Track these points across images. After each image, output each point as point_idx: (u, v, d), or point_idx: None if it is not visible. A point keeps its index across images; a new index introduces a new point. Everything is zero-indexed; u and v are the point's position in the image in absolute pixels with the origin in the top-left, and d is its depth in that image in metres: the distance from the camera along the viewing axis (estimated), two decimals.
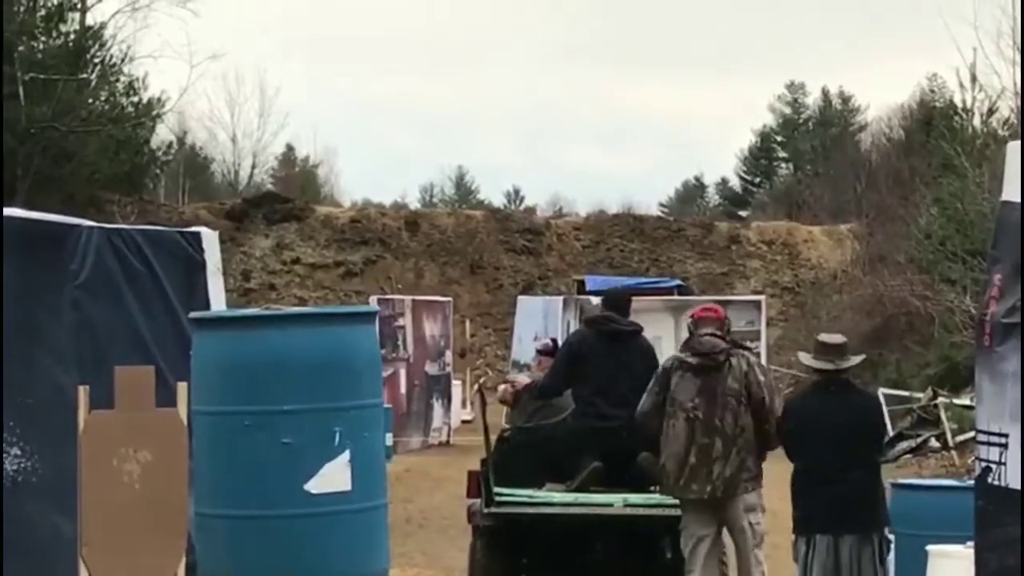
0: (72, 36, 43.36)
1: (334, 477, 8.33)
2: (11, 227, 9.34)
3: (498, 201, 71.25)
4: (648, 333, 12.11)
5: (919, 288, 33.14)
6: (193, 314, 9.20)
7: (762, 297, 32.71)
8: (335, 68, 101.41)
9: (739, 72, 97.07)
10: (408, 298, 30.43)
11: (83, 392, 8.26)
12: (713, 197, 75.33)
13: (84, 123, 42.05)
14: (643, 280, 36.85)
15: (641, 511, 11.09)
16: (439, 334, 29.69)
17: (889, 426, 22.45)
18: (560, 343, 13.30)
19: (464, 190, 75.70)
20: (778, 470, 10.58)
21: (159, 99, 45.37)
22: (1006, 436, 6.92)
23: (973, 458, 8.48)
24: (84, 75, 42.51)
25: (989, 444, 7.01)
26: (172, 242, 10.59)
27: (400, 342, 28.10)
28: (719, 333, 10.47)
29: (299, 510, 8.30)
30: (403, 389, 27.91)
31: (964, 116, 39.21)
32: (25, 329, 9.37)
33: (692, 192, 76.23)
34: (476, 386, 15.46)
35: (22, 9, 41.39)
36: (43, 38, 42.85)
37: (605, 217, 52.29)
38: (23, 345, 9.35)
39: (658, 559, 11.54)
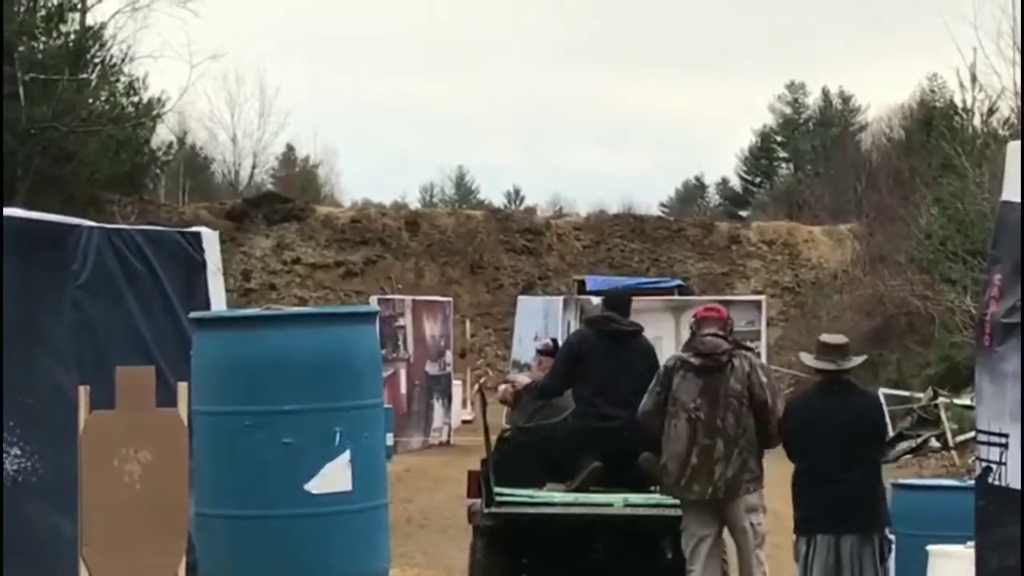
0: (72, 36, 43.37)
1: (334, 477, 8.33)
2: (11, 227, 9.34)
3: (498, 201, 71.35)
4: (648, 333, 12.11)
5: (919, 288, 33.15)
6: (193, 314, 9.20)
7: (762, 297, 32.70)
8: (335, 68, 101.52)
9: (739, 72, 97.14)
10: (408, 298, 30.43)
11: (83, 392, 8.26)
12: (713, 197, 75.41)
13: (84, 123, 42.05)
14: (643, 280, 36.86)
15: (641, 511, 11.09)
16: (439, 334, 29.69)
17: (889, 426, 22.45)
18: (560, 343, 13.30)
19: (464, 190, 75.70)
20: (779, 470, 10.58)
21: (159, 99, 45.44)
22: (1006, 436, 6.92)
23: (973, 458, 8.48)
24: (84, 75, 42.51)
25: (989, 444, 7.01)
26: (172, 242, 10.58)
27: (400, 342, 28.10)
28: (721, 333, 10.46)
29: (299, 510, 8.30)
30: (403, 389, 27.91)
31: (964, 116, 39.22)
32: (25, 329, 9.37)
33: (692, 192, 76.24)
34: (476, 386, 15.48)
35: (22, 9, 41.39)
36: (43, 38, 42.86)
37: (605, 217, 52.29)
38: (23, 345, 9.35)
39: (658, 559, 11.54)
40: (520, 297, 37.17)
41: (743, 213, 66.15)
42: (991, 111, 37.96)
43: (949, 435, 25.40)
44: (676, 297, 30.69)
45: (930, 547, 9.82)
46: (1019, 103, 34.51)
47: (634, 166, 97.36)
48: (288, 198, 50.42)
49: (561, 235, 49.46)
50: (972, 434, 18.92)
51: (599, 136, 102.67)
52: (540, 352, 13.49)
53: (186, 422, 8.32)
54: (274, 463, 8.29)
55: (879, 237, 40.80)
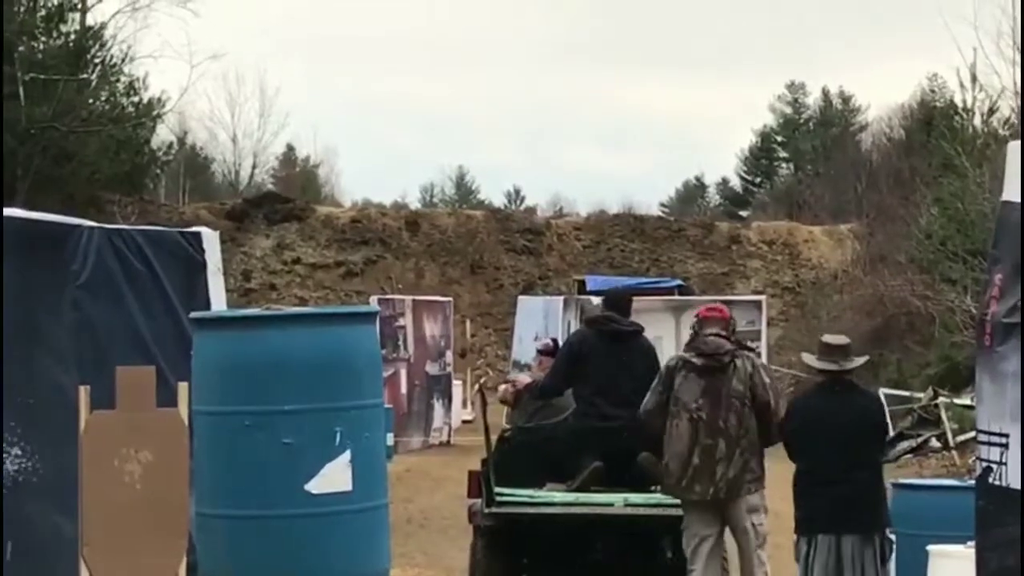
0: (72, 36, 43.37)
1: (335, 477, 8.33)
2: (11, 227, 9.34)
3: (498, 201, 71.35)
4: (649, 333, 12.11)
5: (920, 288, 33.14)
6: (194, 314, 9.20)
7: (763, 297, 32.72)
8: (335, 68, 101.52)
9: (739, 72, 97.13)
10: (409, 298, 30.43)
11: (84, 392, 8.26)
12: (714, 197, 75.41)
13: (84, 123, 42.04)
14: (644, 280, 36.86)
15: (642, 511, 11.09)
16: (440, 334, 29.69)
17: (890, 426, 22.44)
18: (561, 343, 13.31)
19: (464, 190, 75.70)
20: (780, 470, 10.58)
21: (159, 99, 45.44)
22: (1007, 436, 6.92)
23: (974, 458, 8.47)
24: (84, 75, 42.51)
25: (990, 444, 7.01)
26: (173, 242, 10.58)
27: (401, 342, 28.11)
28: (724, 334, 10.46)
29: (300, 510, 8.30)
30: (404, 389, 27.92)
31: (964, 116, 39.22)
32: (25, 329, 9.37)
33: (693, 192, 76.24)
34: (477, 386, 15.48)
35: (22, 9, 41.39)
36: (43, 38, 42.85)
37: (606, 217, 52.29)
38: (24, 345, 9.35)
39: (658, 559, 11.54)
40: (520, 297, 37.17)
41: (743, 213, 66.15)
42: (991, 111, 37.99)
43: (949, 435, 25.40)
44: (676, 297, 30.70)
45: (930, 547, 9.82)
46: (1019, 103, 34.52)
47: (634, 166, 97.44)
48: (288, 198, 50.42)
49: (561, 235, 49.46)
50: (972, 434, 18.90)
51: (599, 136, 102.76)
52: (540, 352, 13.50)
53: (186, 422, 8.32)
54: (274, 463, 8.29)
55: (879, 237, 40.80)
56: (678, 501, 10.52)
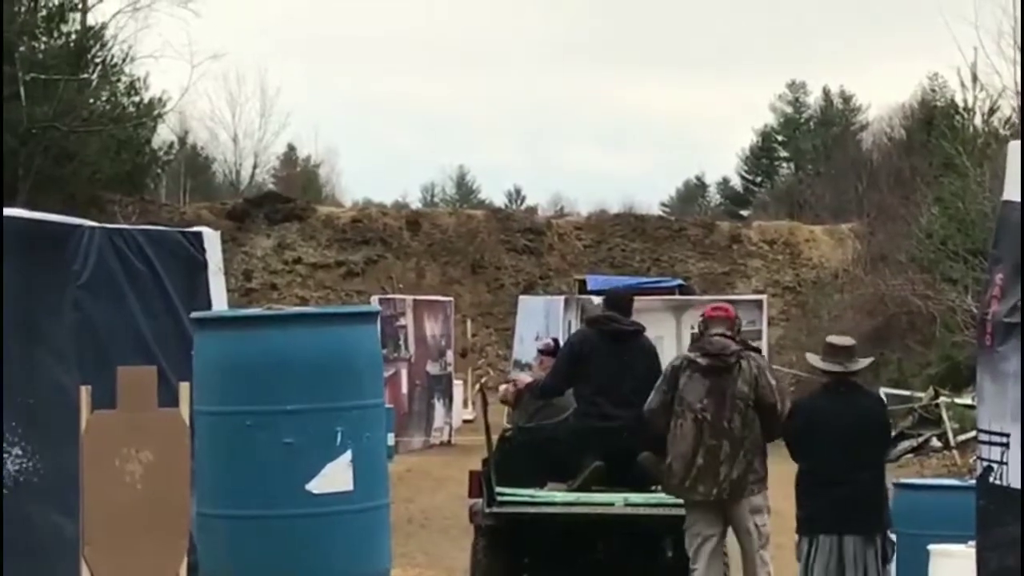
0: (73, 36, 43.37)
1: (336, 477, 8.33)
2: (12, 227, 9.34)
3: (499, 201, 71.34)
4: (650, 333, 12.11)
5: (920, 287, 33.14)
6: (195, 314, 9.19)
7: (764, 296, 32.72)
8: (335, 68, 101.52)
9: (739, 72, 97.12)
10: (409, 298, 30.43)
11: (85, 392, 8.26)
12: (714, 197, 75.40)
13: (85, 123, 42.04)
14: (645, 280, 36.84)
15: (642, 511, 11.10)
16: (440, 334, 29.70)
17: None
18: (561, 343, 13.31)
19: (465, 190, 75.71)
20: (782, 471, 10.58)
21: (160, 99, 45.45)
22: (1007, 436, 6.92)
23: (974, 458, 8.48)
24: (85, 75, 42.51)
25: (990, 444, 7.02)
26: (174, 242, 10.58)
27: (401, 342, 28.11)
28: (729, 334, 10.45)
29: (301, 510, 8.30)
30: (405, 389, 27.92)
31: (965, 115, 39.20)
32: (26, 329, 9.37)
33: (693, 192, 76.24)
34: (478, 386, 15.47)
35: (23, 9, 41.39)
36: (44, 38, 42.86)
37: (606, 217, 52.27)
38: (24, 345, 9.36)
39: (659, 559, 11.55)
40: (521, 297, 37.17)
41: (744, 213, 66.14)
42: (992, 110, 37.98)
43: (950, 434, 25.41)
44: (677, 297, 30.69)
45: (931, 546, 9.81)
46: (1020, 102, 34.51)
47: (634, 166, 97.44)
48: (289, 198, 50.41)
49: (562, 235, 49.45)
50: (973, 433, 18.92)
51: (599, 136, 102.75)
52: (541, 352, 13.51)
53: (188, 422, 8.32)
54: (275, 463, 8.29)
55: (880, 236, 40.79)
56: (679, 501, 10.53)
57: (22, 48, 40.59)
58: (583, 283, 36.02)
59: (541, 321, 31.04)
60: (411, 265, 47.45)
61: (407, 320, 28.41)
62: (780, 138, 72.08)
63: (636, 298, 12.78)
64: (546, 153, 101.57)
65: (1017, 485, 6.84)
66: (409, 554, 14.83)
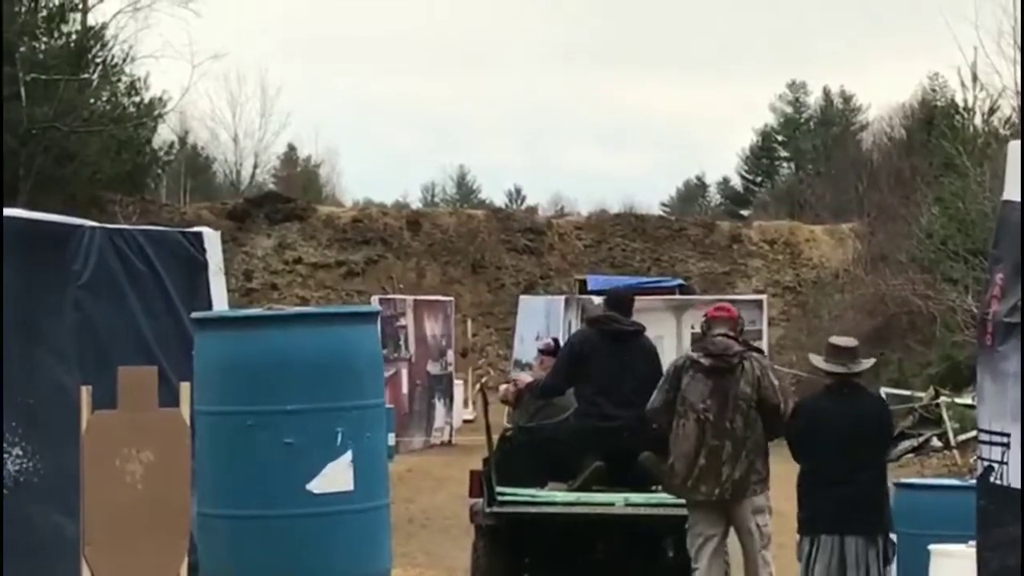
0: (73, 36, 43.36)
1: (336, 477, 8.34)
2: (13, 228, 9.34)
3: (499, 201, 71.33)
4: (650, 332, 12.11)
5: (921, 287, 33.14)
6: (195, 314, 9.20)
7: (764, 296, 32.73)
8: (335, 68, 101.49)
9: (739, 72, 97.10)
10: (410, 298, 30.44)
11: (86, 392, 8.26)
12: (714, 196, 75.39)
13: (86, 123, 42.03)
14: (645, 279, 36.85)
15: (643, 511, 11.10)
16: (441, 334, 29.70)
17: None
18: (562, 343, 13.31)
19: (465, 190, 75.71)
20: (784, 471, 10.58)
21: (161, 99, 45.44)
22: (1008, 436, 6.93)
23: (975, 457, 8.48)
24: (86, 75, 42.50)
25: (991, 443, 7.02)
26: (174, 242, 10.58)
27: (402, 342, 28.12)
28: (732, 334, 10.45)
29: (301, 510, 8.31)
30: (405, 389, 27.93)
31: (965, 115, 39.19)
32: (26, 329, 9.37)
33: (693, 192, 76.24)
34: (478, 386, 15.45)
35: (23, 10, 41.39)
36: (44, 38, 42.85)
37: (607, 217, 52.26)
38: (24, 345, 9.36)
39: (660, 559, 11.55)
40: (522, 296, 37.16)
41: (744, 212, 66.13)
42: (992, 110, 37.97)
43: (951, 434, 25.41)
44: (677, 296, 30.69)
45: (932, 546, 9.82)
46: (1020, 102, 34.51)
47: (634, 166, 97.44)
48: (289, 198, 50.41)
49: (562, 235, 49.45)
50: (974, 433, 18.92)
51: (599, 136, 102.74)
52: (542, 352, 13.51)
53: (188, 422, 8.33)
54: (276, 463, 8.29)
55: (880, 236, 40.80)
56: (680, 501, 10.53)
57: (22, 48, 40.59)
58: (583, 283, 36.03)
59: (541, 321, 31.05)
60: (411, 265, 47.44)
61: (407, 320, 28.41)
62: (780, 138, 72.08)
63: (636, 298, 12.78)
64: (546, 153, 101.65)
65: (1017, 485, 6.85)
66: (410, 554, 14.83)
